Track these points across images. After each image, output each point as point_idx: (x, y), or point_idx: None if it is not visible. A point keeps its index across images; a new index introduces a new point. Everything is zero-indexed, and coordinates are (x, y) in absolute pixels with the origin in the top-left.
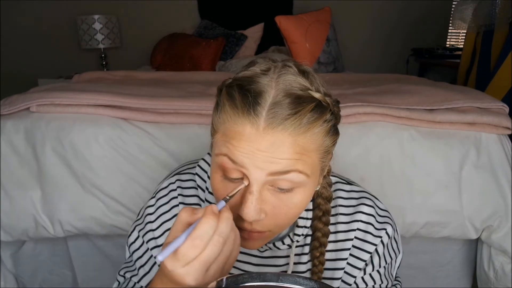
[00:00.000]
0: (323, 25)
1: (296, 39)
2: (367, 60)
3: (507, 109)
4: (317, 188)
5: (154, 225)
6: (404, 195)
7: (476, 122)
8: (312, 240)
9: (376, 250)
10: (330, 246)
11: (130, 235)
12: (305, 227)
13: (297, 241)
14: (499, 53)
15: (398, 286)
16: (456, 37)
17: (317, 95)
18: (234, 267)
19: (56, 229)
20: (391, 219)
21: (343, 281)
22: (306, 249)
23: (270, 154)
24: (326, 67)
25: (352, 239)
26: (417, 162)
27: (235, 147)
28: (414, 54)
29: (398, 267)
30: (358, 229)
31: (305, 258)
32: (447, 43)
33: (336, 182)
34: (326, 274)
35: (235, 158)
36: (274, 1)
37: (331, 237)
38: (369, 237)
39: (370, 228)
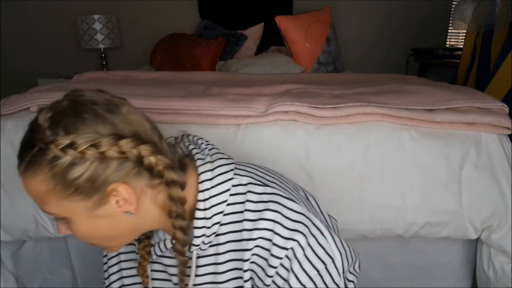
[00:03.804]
0: (323, 25)
1: (296, 39)
2: (367, 60)
3: (507, 109)
4: (130, 215)
5: None
6: (404, 195)
7: (476, 122)
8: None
9: (289, 266)
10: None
11: None
12: (205, 235)
13: (202, 249)
14: (499, 53)
15: (350, 285)
16: (456, 37)
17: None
18: (163, 271)
19: (56, 228)
20: (306, 226)
21: None
22: (221, 258)
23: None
24: (326, 67)
25: (251, 249)
26: (417, 162)
27: None
28: (414, 54)
29: (345, 270)
30: (260, 237)
31: (223, 268)
32: (447, 43)
33: (248, 184)
34: (229, 284)
35: None
36: (274, 1)
37: (235, 245)
38: (275, 250)
39: (276, 239)
